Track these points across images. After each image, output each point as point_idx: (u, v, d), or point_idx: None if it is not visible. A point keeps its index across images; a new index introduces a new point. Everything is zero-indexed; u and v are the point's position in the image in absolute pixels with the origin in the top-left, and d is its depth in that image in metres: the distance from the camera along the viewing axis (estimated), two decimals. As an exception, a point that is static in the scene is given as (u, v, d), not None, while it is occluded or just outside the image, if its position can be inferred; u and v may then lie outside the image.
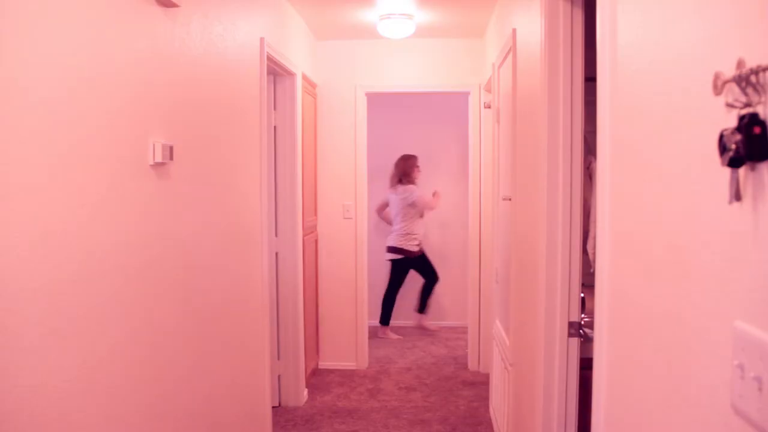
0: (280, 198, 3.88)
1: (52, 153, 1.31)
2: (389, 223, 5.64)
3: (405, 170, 5.43)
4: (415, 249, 5.49)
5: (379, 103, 5.76)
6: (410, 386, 4.34)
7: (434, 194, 5.57)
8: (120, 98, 1.60)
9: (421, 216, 5.50)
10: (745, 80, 0.72)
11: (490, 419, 3.74)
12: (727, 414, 0.80)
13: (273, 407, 3.55)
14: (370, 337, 4.95)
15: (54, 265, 1.31)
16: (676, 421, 0.98)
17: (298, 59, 3.92)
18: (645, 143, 1.12)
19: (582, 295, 2.13)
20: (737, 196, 0.76)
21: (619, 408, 1.27)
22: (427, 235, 5.98)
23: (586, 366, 2.04)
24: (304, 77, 4.08)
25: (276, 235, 3.88)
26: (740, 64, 0.74)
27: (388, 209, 5.64)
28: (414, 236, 5.46)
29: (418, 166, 5.48)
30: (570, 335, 2.07)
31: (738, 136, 0.72)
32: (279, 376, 3.92)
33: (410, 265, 5.56)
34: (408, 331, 5.80)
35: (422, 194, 5.47)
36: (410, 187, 5.41)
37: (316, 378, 4.50)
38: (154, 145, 1.76)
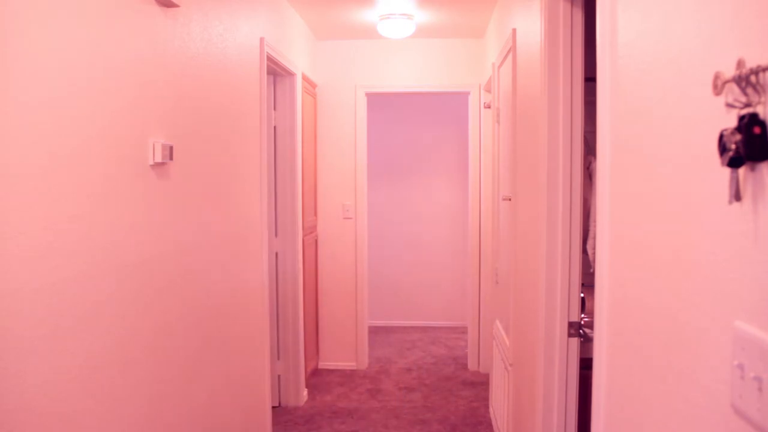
0: (280, 198, 3.88)
1: (51, 153, 1.31)
2: None
3: None
4: None
5: (379, 103, 5.77)
6: (410, 386, 4.34)
7: None
8: (120, 98, 1.60)
9: None
10: (745, 80, 0.72)
11: (490, 419, 3.74)
12: (727, 414, 0.80)
13: (273, 407, 3.56)
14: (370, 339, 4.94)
15: (54, 265, 1.31)
16: (676, 421, 0.98)
17: (298, 59, 3.92)
18: (645, 143, 1.12)
19: (582, 295, 2.13)
20: (737, 196, 0.76)
21: (619, 408, 1.27)
22: (427, 235, 5.99)
23: (586, 366, 2.04)
24: (304, 77, 4.08)
25: (276, 235, 3.88)
26: (740, 64, 0.74)
27: None
28: None
29: None
30: (570, 335, 2.07)
31: (738, 136, 0.72)
32: (279, 376, 3.92)
33: None
34: (408, 331, 5.80)
35: None
36: None
37: (316, 378, 4.50)
38: (154, 145, 1.76)
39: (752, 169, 0.74)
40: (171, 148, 1.85)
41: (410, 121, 5.98)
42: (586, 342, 2.15)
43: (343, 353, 4.72)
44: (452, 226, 5.97)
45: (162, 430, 1.84)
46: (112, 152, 1.56)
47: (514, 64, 2.76)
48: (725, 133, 0.74)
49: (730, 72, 0.76)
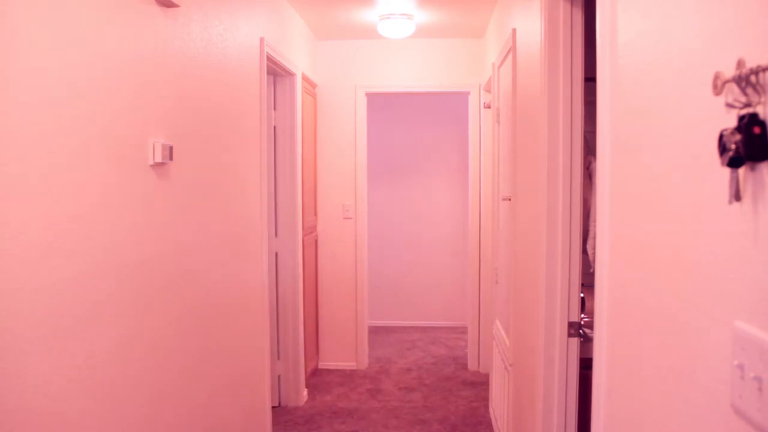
0: (280, 198, 3.88)
1: (52, 153, 1.31)
2: None
3: None
4: None
5: (379, 103, 5.77)
6: (410, 386, 4.34)
7: None
8: (120, 98, 1.60)
9: None
10: (745, 80, 0.72)
11: (490, 419, 3.74)
12: (727, 414, 0.80)
13: (273, 407, 3.56)
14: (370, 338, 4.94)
15: (55, 265, 1.31)
16: (676, 421, 0.98)
17: (298, 59, 3.92)
18: (645, 143, 1.12)
19: (582, 295, 2.13)
20: (737, 196, 0.76)
21: (619, 408, 1.27)
22: (427, 235, 5.99)
23: (586, 366, 2.04)
24: (304, 77, 4.08)
25: (276, 235, 3.88)
26: (740, 64, 0.74)
27: None
28: None
29: None
30: (570, 335, 2.07)
31: (738, 136, 0.72)
32: (279, 376, 3.92)
33: None
34: (408, 331, 5.80)
35: None
36: None
37: (316, 378, 4.50)
38: (154, 145, 1.76)
39: (752, 169, 0.74)
40: (171, 148, 1.85)
41: (410, 121, 5.98)
42: (586, 342, 2.15)
43: (343, 353, 4.72)
44: (452, 226, 5.97)
45: (162, 430, 1.84)
46: (112, 152, 1.56)
47: (514, 64, 2.76)
48: (725, 133, 0.74)
49: (730, 72, 0.76)
